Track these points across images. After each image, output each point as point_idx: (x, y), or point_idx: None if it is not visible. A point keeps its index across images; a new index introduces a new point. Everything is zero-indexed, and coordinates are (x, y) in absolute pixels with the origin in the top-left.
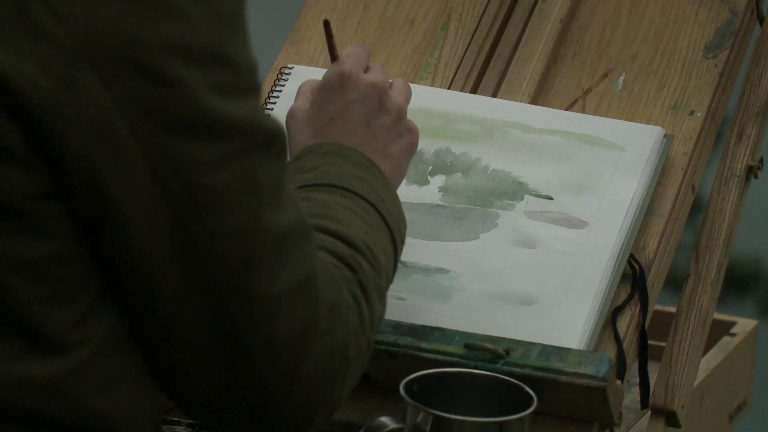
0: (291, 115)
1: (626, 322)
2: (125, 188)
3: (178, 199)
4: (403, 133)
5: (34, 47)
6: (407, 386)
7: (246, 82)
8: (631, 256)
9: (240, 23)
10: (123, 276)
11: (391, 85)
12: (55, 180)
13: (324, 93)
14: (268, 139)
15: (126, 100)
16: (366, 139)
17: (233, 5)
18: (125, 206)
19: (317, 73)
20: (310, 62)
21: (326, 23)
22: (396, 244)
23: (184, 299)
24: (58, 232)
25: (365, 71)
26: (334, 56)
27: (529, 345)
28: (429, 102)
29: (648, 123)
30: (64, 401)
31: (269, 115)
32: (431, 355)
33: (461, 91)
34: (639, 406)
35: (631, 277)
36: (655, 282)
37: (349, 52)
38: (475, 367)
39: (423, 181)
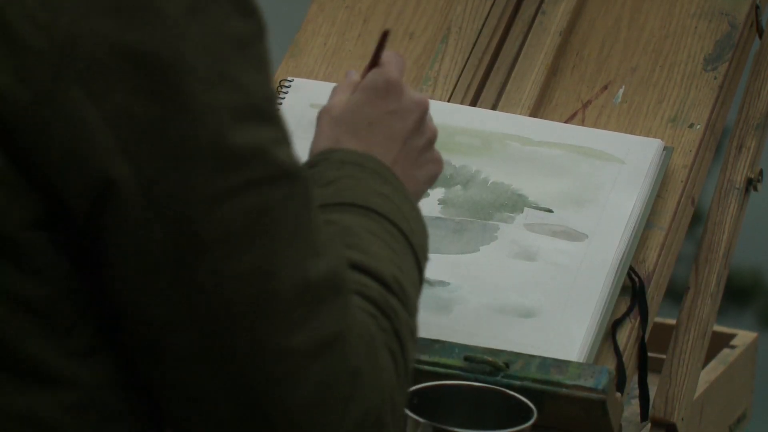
0: (327, 110)
1: (626, 335)
2: (113, 217)
3: (175, 234)
4: (430, 161)
5: (13, 59)
6: (407, 399)
7: (260, 108)
8: (631, 268)
9: (253, 48)
10: (122, 321)
11: None
12: (42, 204)
13: (365, 94)
14: (284, 174)
15: (117, 117)
16: (398, 154)
17: (240, 28)
18: (115, 238)
19: (317, 86)
20: (310, 75)
21: (385, 34)
22: (420, 267)
23: (191, 355)
24: (52, 266)
25: None
26: (375, 62)
27: (529, 357)
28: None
29: (648, 135)
30: None
31: (291, 152)
32: (431, 368)
33: (461, 103)
34: (639, 418)
35: (631, 289)
36: (654, 294)
37: (389, 59)
38: (475, 380)
39: None
